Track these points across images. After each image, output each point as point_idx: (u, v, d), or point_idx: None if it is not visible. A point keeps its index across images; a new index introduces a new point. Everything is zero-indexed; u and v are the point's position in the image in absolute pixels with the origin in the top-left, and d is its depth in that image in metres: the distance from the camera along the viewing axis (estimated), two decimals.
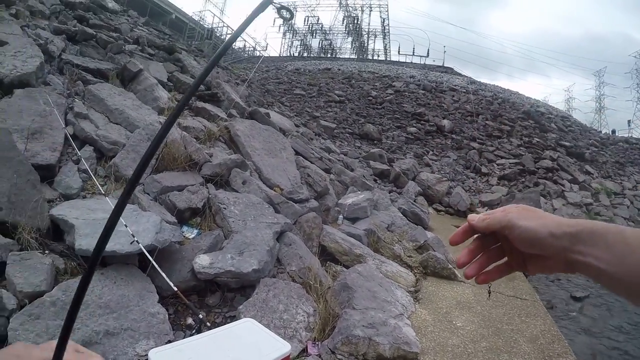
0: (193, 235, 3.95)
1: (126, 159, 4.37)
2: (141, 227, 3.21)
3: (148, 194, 4.20)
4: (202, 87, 7.86)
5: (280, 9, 0.49)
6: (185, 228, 4.03)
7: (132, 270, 3.10)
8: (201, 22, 41.20)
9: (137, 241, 2.90)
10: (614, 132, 40.28)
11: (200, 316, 2.88)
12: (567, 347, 3.91)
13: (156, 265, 2.94)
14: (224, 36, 43.42)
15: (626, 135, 37.85)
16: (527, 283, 5.96)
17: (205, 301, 3.40)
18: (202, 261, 3.38)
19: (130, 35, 9.65)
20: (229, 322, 2.72)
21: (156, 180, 4.28)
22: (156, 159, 4.46)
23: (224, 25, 43.39)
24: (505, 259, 0.70)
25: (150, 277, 3.13)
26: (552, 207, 13.31)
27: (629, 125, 53.37)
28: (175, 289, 2.86)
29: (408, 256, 5.95)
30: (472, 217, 0.68)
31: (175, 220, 3.93)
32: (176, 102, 6.66)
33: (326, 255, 4.91)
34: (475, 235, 0.70)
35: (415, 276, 5.32)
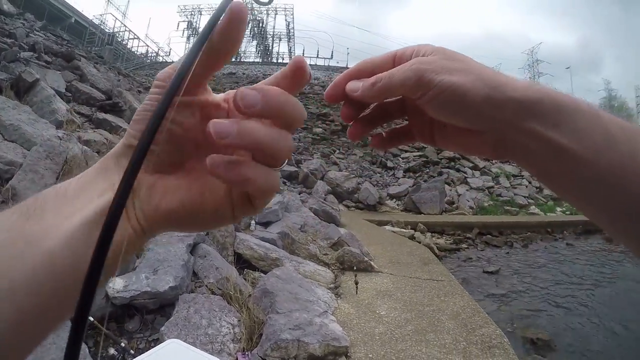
0: None
1: (24, 180, 3.92)
2: None
3: None
4: (102, 96, 7.42)
5: None
6: None
7: None
8: (102, 27, 38.60)
9: None
10: None
11: (122, 344, 2.71)
12: (487, 317, 4.16)
13: None
14: (126, 41, 41.16)
15: None
16: (441, 265, 6.26)
17: (125, 327, 3.16)
18: (116, 285, 3.17)
19: (26, 41, 8.87)
20: (153, 347, 2.53)
21: None
22: (56, 178, 4.06)
23: (126, 30, 41.20)
24: (405, 122, 0.51)
25: None
26: (457, 192, 14.18)
27: None
28: (92, 319, 2.65)
29: (324, 254, 5.97)
30: (353, 85, 0.45)
31: None
32: (76, 115, 6.15)
33: (242, 263, 4.80)
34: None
35: (334, 273, 5.35)
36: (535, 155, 0.38)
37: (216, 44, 0.33)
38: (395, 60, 0.45)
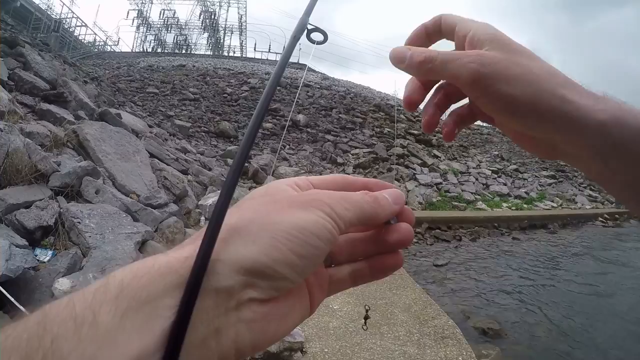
0: (48, 258, 3.49)
1: None
2: None
3: None
4: (46, 86, 7.05)
5: (312, 30, 0.42)
6: (38, 251, 3.55)
7: None
8: (48, 12, 36.45)
9: None
10: None
11: None
12: (438, 309, 4.25)
13: (12, 299, 2.57)
14: (73, 29, 39.16)
15: None
16: None
17: None
18: (62, 285, 3.03)
19: None
20: None
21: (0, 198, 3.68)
22: None
23: (73, 17, 39.09)
24: (466, 101, 0.48)
25: (8, 314, 2.70)
26: (406, 188, 14.44)
27: None
28: None
29: None
30: (400, 54, 0.44)
31: (26, 243, 3.43)
32: (18, 105, 5.77)
33: None
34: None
35: None
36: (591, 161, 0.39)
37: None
38: (432, 30, 0.48)
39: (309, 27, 0.42)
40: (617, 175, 0.39)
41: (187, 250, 0.31)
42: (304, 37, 0.43)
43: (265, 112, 0.34)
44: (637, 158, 0.37)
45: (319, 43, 0.43)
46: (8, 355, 0.24)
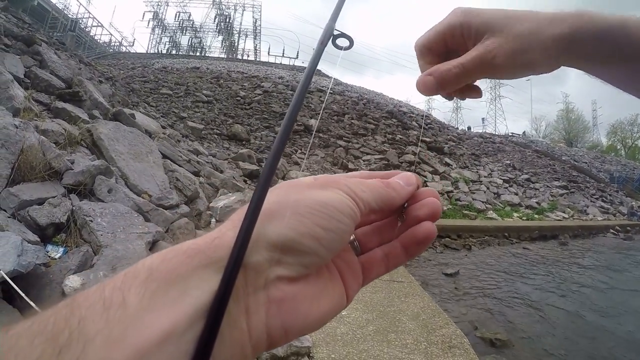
0: (59, 255, 3.51)
1: None
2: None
3: (5, 210, 3.62)
4: (62, 84, 7.10)
5: (337, 36, 0.43)
6: (49, 247, 3.56)
7: None
8: (65, 12, 37.07)
9: None
10: (469, 128, 45.70)
11: None
12: (447, 319, 4.21)
13: (23, 295, 2.58)
14: (89, 29, 39.78)
15: (480, 131, 43.30)
16: (401, 267, 6.27)
17: None
18: (73, 283, 3.06)
19: None
20: None
21: (13, 194, 3.71)
22: (12, 168, 3.87)
23: (89, 17, 39.76)
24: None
25: (18, 308, 2.71)
26: None
27: (483, 122, 62.49)
28: None
29: None
30: (436, 72, 0.51)
31: (38, 239, 3.45)
32: (34, 102, 5.84)
33: None
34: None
35: None
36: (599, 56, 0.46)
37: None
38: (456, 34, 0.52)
39: (335, 32, 0.43)
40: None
41: (216, 233, 0.31)
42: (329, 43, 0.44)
43: (296, 118, 0.35)
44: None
45: (345, 49, 0.43)
46: (32, 338, 0.24)
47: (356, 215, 0.35)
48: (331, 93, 26.75)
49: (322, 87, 28.75)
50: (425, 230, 0.39)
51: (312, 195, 0.34)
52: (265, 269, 0.30)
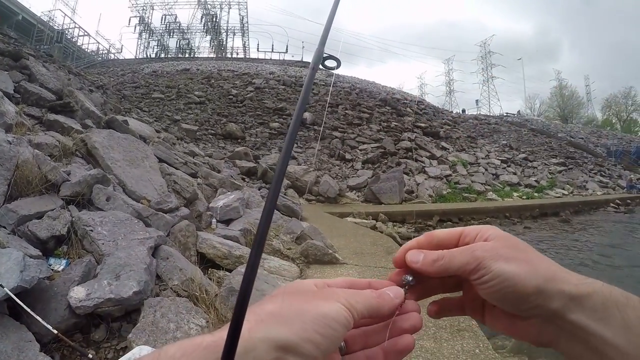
0: (62, 267, 3.49)
1: None
2: (2, 268, 2.74)
3: (4, 227, 3.59)
4: (52, 96, 7.08)
5: (326, 58, 0.48)
6: (52, 260, 3.55)
7: (3, 321, 2.64)
8: (50, 24, 36.92)
9: (0, 285, 2.49)
10: (464, 111, 45.83)
11: (90, 356, 2.61)
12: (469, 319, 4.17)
13: (29, 310, 2.56)
14: (76, 38, 39.64)
15: (475, 113, 43.31)
16: None
17: (91, 337, 3.03)
18: (78, 294, 3.01)
19: None
20: (122, 356, 2.47)
21: (11, 210, 3.69)
22: (8, 185, 3.84)
23: (75, 27, 39.56)
24: (460, 294, 0.55)
25: (25, 324, 2.70)
26: (416, 182, 14.41)
27: (477, 104, 62.57)
28: (55, 331, 2.54)
29: (288, 249, 5.95)
30: (414, 257, 0.50)
31: (40, 253, 3.42)
32: (25, 117, 5.82)
33: (206, 263, 4.71)
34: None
35: (299, 267, 5.35)
36: (579, 347, 0.42)
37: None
38: (460, 238, 0.51)
39: (324, 55, 0.48)
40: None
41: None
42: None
43: (293, 143, 0.40)
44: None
45: (333, 69, 0.50)
46: None
47: (350, 324, 0.41)
48: (323, 85, 26.69)
49: (314, 79, 28.67)
50: (406, 342, 0.47)
51: (316, 307, 0.40)
52: None
